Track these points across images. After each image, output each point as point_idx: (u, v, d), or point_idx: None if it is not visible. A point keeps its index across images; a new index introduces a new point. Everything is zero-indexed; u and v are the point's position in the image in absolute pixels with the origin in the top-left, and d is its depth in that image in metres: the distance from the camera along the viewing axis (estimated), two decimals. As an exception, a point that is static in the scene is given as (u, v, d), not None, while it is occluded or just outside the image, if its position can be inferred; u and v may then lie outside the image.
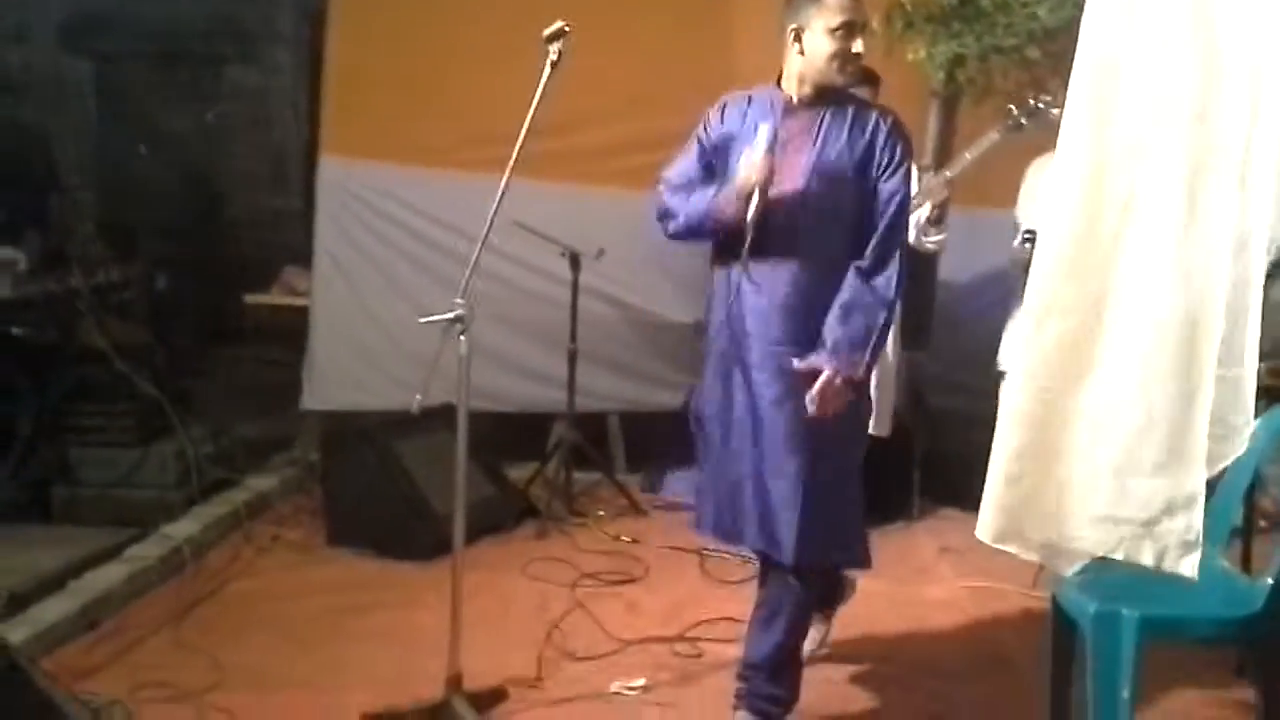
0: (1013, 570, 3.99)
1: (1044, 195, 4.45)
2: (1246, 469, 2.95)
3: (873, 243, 2.80)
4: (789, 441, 2.80)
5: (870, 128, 2.84)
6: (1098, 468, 2.22)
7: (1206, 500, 2.19)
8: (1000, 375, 4.59)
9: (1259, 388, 3.47)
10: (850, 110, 2.88)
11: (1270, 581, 2.62)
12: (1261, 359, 3.56)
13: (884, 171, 2.83)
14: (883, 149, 2.83)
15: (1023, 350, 2.31)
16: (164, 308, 5.95)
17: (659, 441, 5.42)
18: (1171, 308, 2.14)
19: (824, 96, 2.87)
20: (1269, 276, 3.74)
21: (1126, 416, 2.19)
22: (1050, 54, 4.83)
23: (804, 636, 3.02)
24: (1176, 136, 2.15)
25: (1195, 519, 2.17)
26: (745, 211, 2.77)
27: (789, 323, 2.84)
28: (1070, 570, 2.40)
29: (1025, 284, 4.35)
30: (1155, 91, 2.16)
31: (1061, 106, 4.28)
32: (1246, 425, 2.20)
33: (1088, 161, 2.21)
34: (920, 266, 4.66)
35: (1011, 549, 2.31)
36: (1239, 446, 2.22)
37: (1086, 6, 2.24)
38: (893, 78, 4.60)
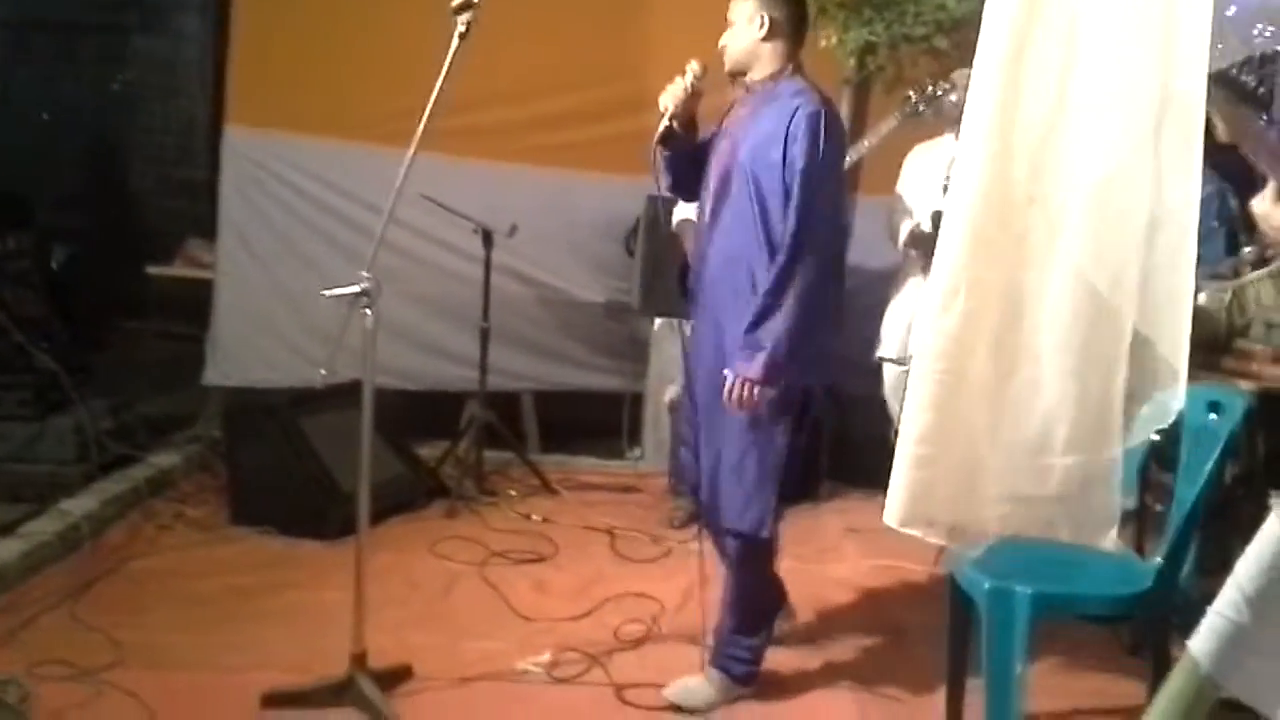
0: (916, 550, 4.06)
1: (924, 180, 4.59)
2: (1139, 451, 3.04)
3: (780, 234, 2.88)
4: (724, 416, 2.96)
5: (788, 117, 2.90)
6: (1010, 448, 2.24)
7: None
8: (879, 364, 4.73)
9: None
10: (772, 99, 2.98)
11: (1159, 560, 2.72)
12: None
13: (792, 161, 2.88)
14: (792, 139, 2.88)
15: (927, 333, 2.31)
16: (64, 279, 5.78)
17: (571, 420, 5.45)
18: (1084, 289, 2.17)
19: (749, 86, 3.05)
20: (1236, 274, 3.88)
21: (1039, 396, 2.21)
22: (958, 44, 4.93)
23: (756, 595, 3.10)
24: (1083, 120, 2.18)
25: (1111, 495, 2.20)
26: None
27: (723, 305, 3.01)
28: (976, 551, 2.43)
29: (919, 265, 4.51)
30: (1060, 75, 2.19)
31: (959, 93, 4.42)
32: (1172, 400, 2.19)
33: (993, 144, 2.23)
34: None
35: (918, 532, 2.34)
36: (1164, 419, 2.23)
37: None
38: (805, 63, 4.65)
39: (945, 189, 4.59)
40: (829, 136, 2.89)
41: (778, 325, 2.85)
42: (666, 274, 4.68)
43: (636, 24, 5.46)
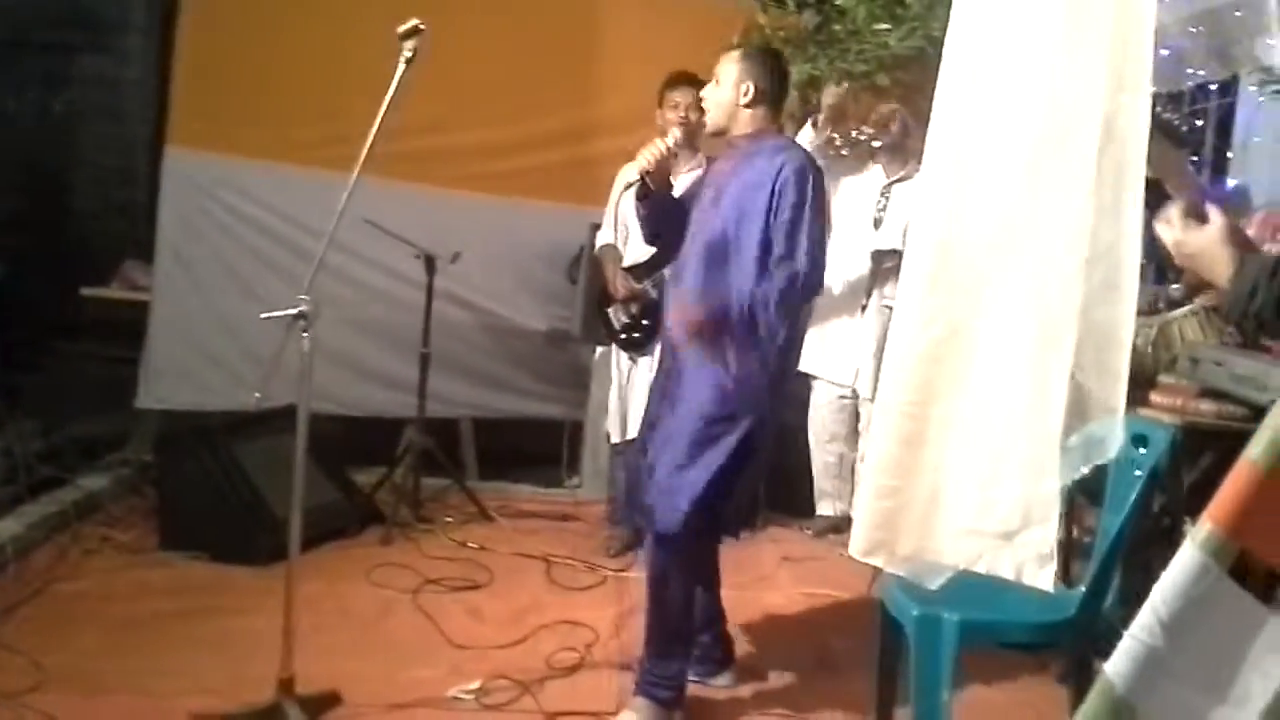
0: (848, 578, 4.12)
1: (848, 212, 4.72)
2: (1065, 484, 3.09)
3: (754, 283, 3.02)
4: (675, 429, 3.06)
5: (775, 170, 3.04)
6: (962, 480, 2.28)
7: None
8: (804, 390, 4.81)
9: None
10: (756, 154, 3.13)
11: (1083, 589, 2.76)
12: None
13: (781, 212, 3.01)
14: (781, 191, 3.01)
15: (890, 365, 2.35)
16: (-2, 298, 5.70)
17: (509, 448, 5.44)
18: (1026, 321, 2.21)
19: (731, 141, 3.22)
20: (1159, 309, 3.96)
21: (987, 429, 2.24)
22: (899, 81, 5.02)
23: (677, 616, 3.09)
24: (1030, 158, 2.23)
25: (1050, 531, 2.23)
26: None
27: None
28: (936, 583, 2.43)
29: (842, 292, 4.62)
30: (1011, 114, 2.24)
31: (895, 127, 4.56)
32: (1110, 434, 2.23)
33: (950, 182, 2.28)
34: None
35: (879, 562, 2.36)
36: (1104, 453, 2.25)
37: (948, 38, 2.32)
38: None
39: (877, 222, 4.71)
40: (815, 190, 3.02)
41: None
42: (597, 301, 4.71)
43: (583, 53, 5.51)
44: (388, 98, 2.88)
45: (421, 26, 2.86)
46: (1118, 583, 2.85)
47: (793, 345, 3.10)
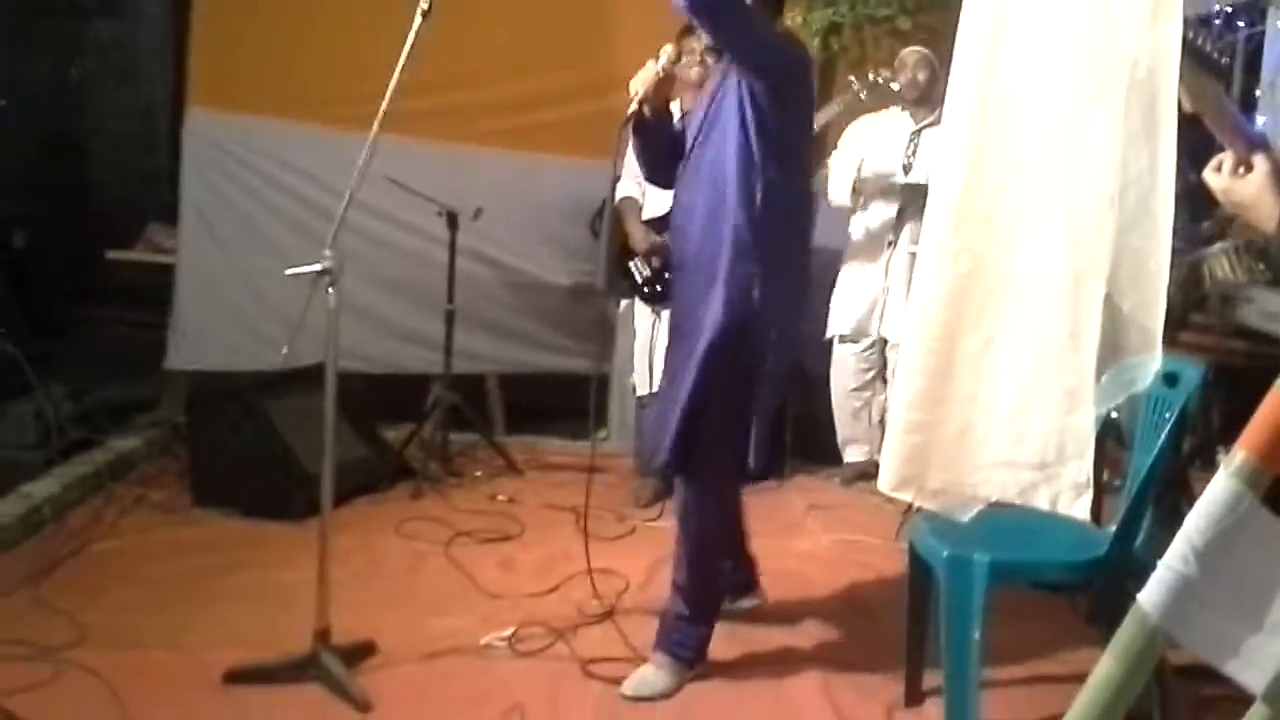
0: (877, 524, 4.13)
1: (869, 146, 4.70)
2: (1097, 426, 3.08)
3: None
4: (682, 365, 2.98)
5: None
6: (993, 413, 2.25)
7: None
8: (829, 344, 4.78)
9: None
10: None
11: (1114, 528, 2.76)
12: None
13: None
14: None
15: (918, 301, 2.31)
16: (24, 265, 5.74)
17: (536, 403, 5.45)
18: (1057, 253, 2.18)
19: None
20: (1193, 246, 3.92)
21: (1019, 361, 2.22)
22: (922, 25, 4.97)
23: (701, 573, 3.06)
24: (1057, 87, 2.19)
25: (1086, 463, 2.21)
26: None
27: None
28: (967, 517, 2.42)
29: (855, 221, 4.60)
30: (1036, 44, 2.21)
31: (907, 73, 4.51)
32: (1148, 363, 2.18)
33: (976, 113, 2.25)
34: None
35: (908, 496, 2.34)
36: (1140, 383, 2.21)
37: None
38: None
39: (906, 167, 4.66)
40: (795, 84, 2.93)
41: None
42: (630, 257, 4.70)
43: (603, 6, 5.46)
44: (404, 52, 2.87)
45: (439, -15, 2.85)
46: (1148, 522, 2.84)
47: (792, 267, 2.97)
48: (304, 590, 3.02)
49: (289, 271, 2.96)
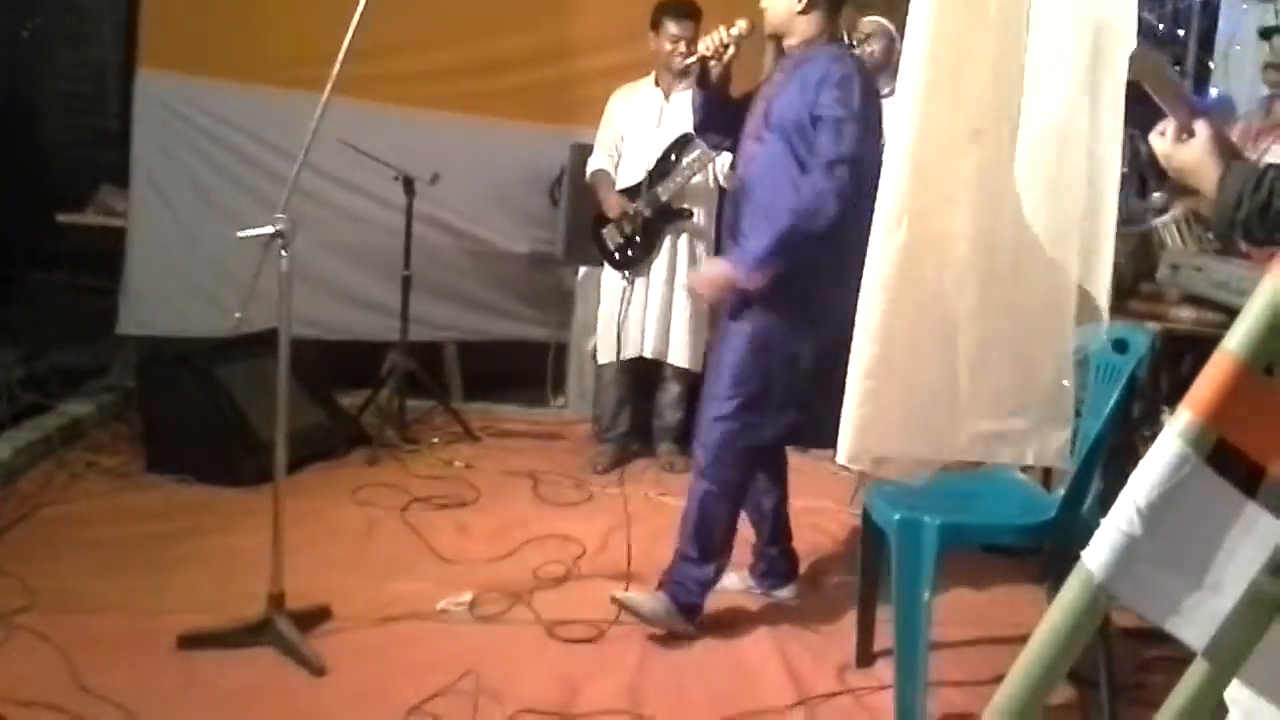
0: (830, 489, 4.17)
1: None
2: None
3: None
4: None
5: (819, 75, 3.00)
6: (954, 375, 2.28)
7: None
8: None
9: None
10: (806, 63, 3.07)
11: (1062, 493, 2.80)
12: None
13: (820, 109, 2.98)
14: (824, 91, 2.97)
15: (871, 264, 2.31)
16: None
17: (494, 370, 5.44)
18: (1031, 228, 2.19)
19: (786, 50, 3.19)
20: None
21: (985, 327, 2.23)
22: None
23: (711, 519, 3.12)
24: (1029, 59, 2.19)
25: (1061, 419, 2.24)
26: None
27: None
28: (920, 482, 2.44)
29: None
30: (990, 11, 2.20)
31: (874, 42, 4.49)
32: (1098, 328, 2.24)
33: (933, 73, 2.23)
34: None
35: (864, 467, 2.35)
36: (1086, 349, 2.28)
37: None
38: (728, 13, 4.64)
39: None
40: (863, 95, 2.97)
41: (771, 234, 2.95)
42: (590, 224, 4.69)
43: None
44: (358, 13, 2.83)
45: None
46: (1096, 486, 2.89)
47: (831, 268, 2.91)
48: (258, 555, 3.00)
49: (240, 234, 2.93)
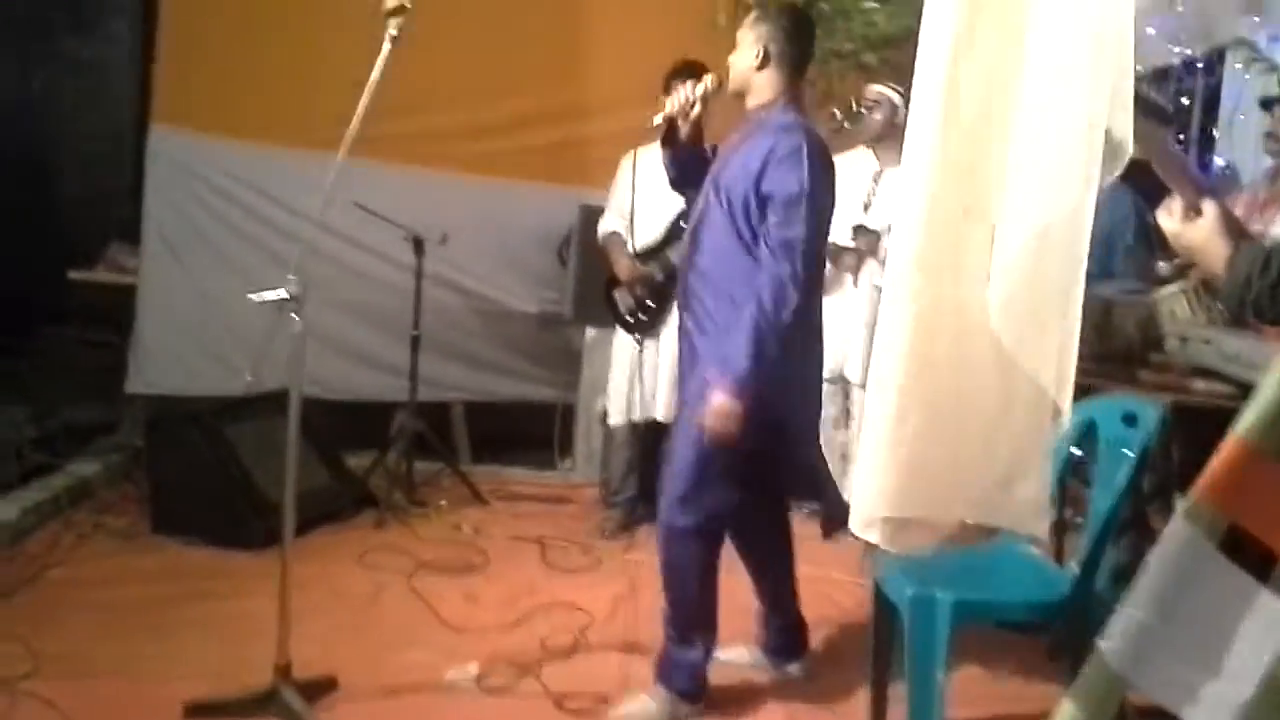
0: (840, 559, 4.14)
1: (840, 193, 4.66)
2: (1056, 464, 3.11)
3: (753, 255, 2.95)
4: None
5: (768, 147, 2.96)
6: (953, 440, 2.25)
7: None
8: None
9: (1076, 386, 3.67)
10: (761, 128, 3.04)
11: (1076, 568, 2.78)
12: (1081, 358, 3.75)
13: (769, 189, 2.93)
14: (771, 167, 2.93)
15: (880, 341, 2.28)
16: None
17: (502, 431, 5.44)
18: (1019, 308, 2.18)
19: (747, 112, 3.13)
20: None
21: (982, 397, 2.23)
22: (885, 60, 5.02)
23: (685, 600, 3.06)
24: (1019, 144, 2.20)
25: (1038, 483, 2.19)
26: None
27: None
28: (928, 553, 2.40)
29: (838, 279, 4.56)
30: (997, 91, 2.21)
31: (881, 110, 4.50)
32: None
33: (933, 154, 2.24)
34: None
35: (874, 537, 2.28)
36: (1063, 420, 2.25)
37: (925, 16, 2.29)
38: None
39: (866, 205, 4.67)
40: (811, 169, 2.90)
41: (744, 343, 2.87)
42: (599, 285, 4.70)
43: (572, 32, 5.48)
44: (373, 78, 2.87)
45: (407, 5, 2.85)
46: (1110, 561, 2.88)
47: (793, 338, 2.93)
48: (265, 621, 2.98)
49: (252, 297, 2.93)
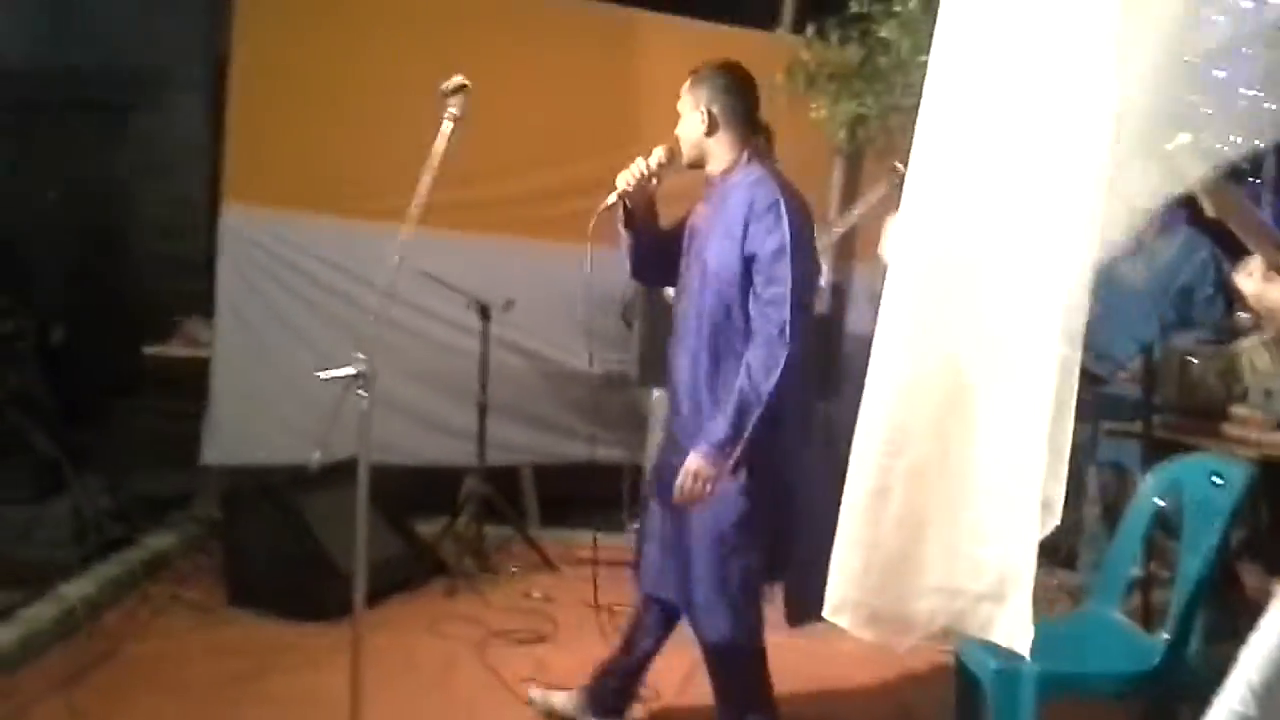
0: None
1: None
2: (1141, 521, 3.02)
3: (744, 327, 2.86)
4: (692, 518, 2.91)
5: (745, 208, 2.86)
6: (936, 536, 2.10)
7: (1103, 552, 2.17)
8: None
9: (1157, 440, 3.56)
10: (731, 192, 2.94)
11: (1166, 637, 2.69)
12: (1161, 410, 3.65)
13: (753, 252, 2.83)
14: (753, 229, 2.83)
15: (864, 411, 2.15)
16: (61, 358, 5.80)
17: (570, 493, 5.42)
18: (1009, 389, 2.05)
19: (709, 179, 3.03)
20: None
21: (960, 486, 2.07)
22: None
23: (750, 705, 2.99)
24: (1013, 200, 2.10)
25: (1026, 595, 2.00)
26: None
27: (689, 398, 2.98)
28: (904, 646, 2.22)
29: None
30: (994, 150, 2.13)
31: None
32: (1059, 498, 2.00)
33: (929, 211, 2.15)
34: (824, 317, 4.76)
35: (844, 622, 2.15)
36: (1054, 519, 2.00)
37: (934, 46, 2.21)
38: (795, 133, 4.68)
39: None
40: (791, 223, 2.82)
41: (728, 410, 2.80)
42: (664, 345, 4.68)
43: (626, 95, 5.52)
44: (435, 153, 2.89)
45: (466, 84, 2.87)
46: (1200, 624, 2.78)
47: (791, 404, 2.83)
48: (338, 694, 2.95)
49: (320, 375, 2.95)
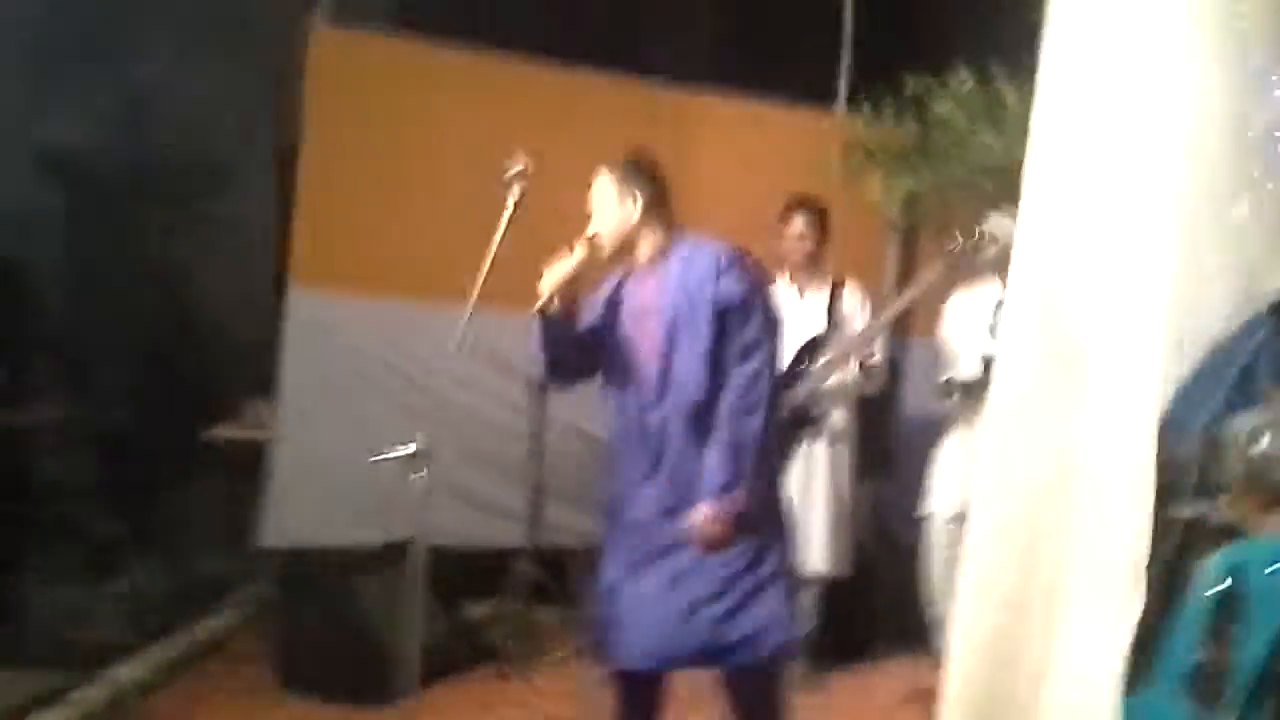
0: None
1: (967, 324, 4.50)
2: (1206, 605, 2.92)
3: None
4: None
5: (711, 263, 2.95)
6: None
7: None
8: (923, 521, 4.53)
9: (1220, 526, 3.45)
10: (680, 261, 3.01)
11: (1229, 727, 2.58)
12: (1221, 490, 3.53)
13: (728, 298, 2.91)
14: (723, 279, 2.92)
15: (970, 565, 2.17)
16: (119, 440, 5.88)
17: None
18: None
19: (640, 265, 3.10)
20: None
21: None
22: (1004, 186, 4.93)
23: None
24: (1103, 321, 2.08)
25: None
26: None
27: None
28: None
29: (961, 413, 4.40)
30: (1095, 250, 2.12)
31: (998, 245, 4.39)
32: None
33: (1042, 284, 2.14)
34: (879, 395, 4.71)
35: None
36: None
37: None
38: (850, 211, 4.68)
39: (993, 330, 4.53)
40: (755, 274, 2.96)
41: (719, 459, 2.84)
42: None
43: (682, 173, 5.50)
44: (495, 238, 2.94)
45: (528, 171, 2.93)
46: (1265, 710, 2.66)
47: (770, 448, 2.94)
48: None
49: (374, 459, 2.97)
